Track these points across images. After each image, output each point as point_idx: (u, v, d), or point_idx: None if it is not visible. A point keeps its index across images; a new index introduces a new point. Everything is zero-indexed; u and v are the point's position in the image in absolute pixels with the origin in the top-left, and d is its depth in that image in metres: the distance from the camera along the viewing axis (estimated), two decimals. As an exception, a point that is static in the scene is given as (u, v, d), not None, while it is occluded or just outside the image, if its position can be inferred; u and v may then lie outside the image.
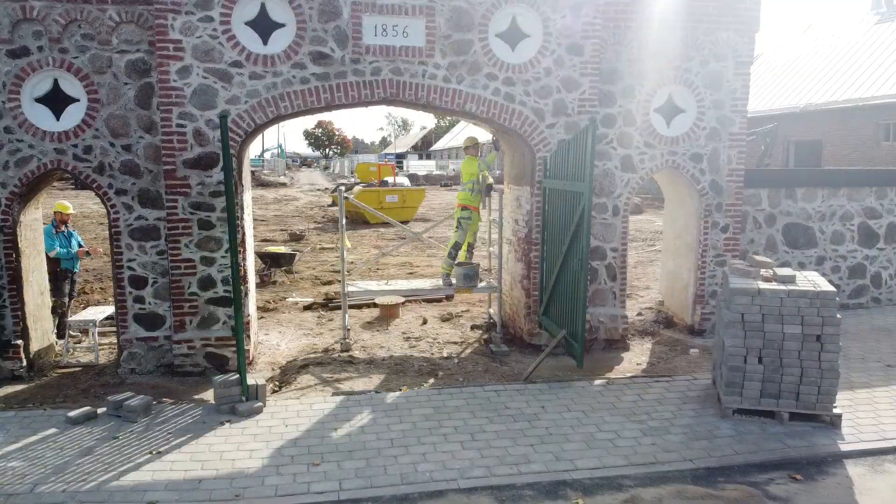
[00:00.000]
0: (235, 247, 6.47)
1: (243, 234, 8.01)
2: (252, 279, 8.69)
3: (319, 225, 25.88)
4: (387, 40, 7.95)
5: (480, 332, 9.66)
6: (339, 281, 14.52)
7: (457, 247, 9.26)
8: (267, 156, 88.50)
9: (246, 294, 8.10)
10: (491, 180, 9.39)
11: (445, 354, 8.53)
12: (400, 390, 6.97)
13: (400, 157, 76.19)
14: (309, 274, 14.99)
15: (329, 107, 7.96)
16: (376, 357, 8.45)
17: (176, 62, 7.56)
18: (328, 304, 11.28)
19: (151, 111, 7.75)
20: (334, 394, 6.88)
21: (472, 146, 9.51)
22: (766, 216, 10.04)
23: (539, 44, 8.37)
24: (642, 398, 6.78)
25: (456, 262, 9.22)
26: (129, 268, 7.93)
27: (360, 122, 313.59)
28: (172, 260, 7.81)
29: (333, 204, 29.39)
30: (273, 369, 8.17)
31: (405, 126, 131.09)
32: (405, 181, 30.88)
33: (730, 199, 9.51)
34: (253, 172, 60.80)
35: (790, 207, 10.20)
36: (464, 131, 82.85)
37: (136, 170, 7.82)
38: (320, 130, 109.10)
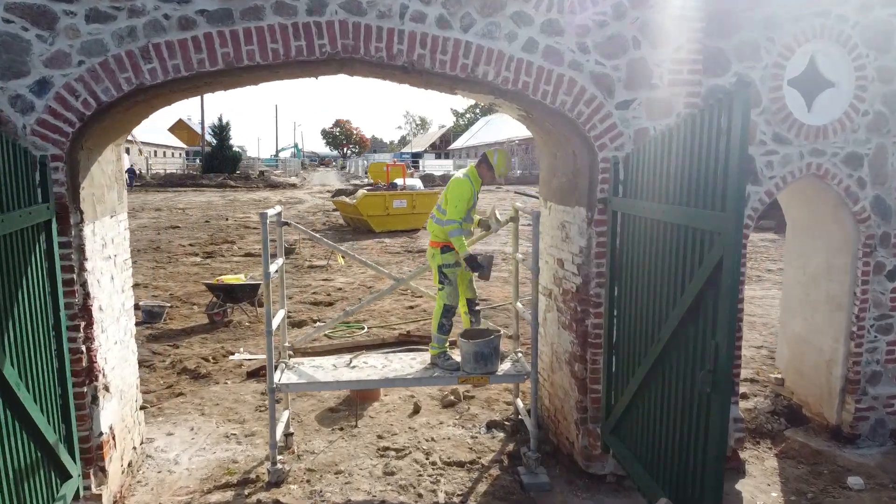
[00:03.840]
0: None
1: (86, 296, 4.56)
2: (116, 369, 5.20)
3: (318, 234, 22.49)
4: (336, -49, 4.46)
5: (503, 435, 6.12)
6: (316, 321, 11.13)
7: (449, 314, 5.70)
8: (285, 155, 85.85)
9: (94, 400, 4.65)
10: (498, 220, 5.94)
11: (442, 500, 5.01)
12: None
13: (416, 157, 72.80)
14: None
15: (232, 70, 4.49)
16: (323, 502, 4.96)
17: (-44, -8, 4.17)
18: (283, 370, 7.82)
19: (-78, 81, 4.35)
20: None
21: (488, 165, 5.77)
22: (949, 251, 6.38)
23: (605, -37, 4.83)
24: None
25: (461, 333, 5.65)
26: None
27: (379, 122, 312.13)
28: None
29: (336, 210, 26.00)
30: (144, 526, 4.73)
31: (423, 125, 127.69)
32: (417, 183, 27.32)
33: (904, 227, 5.91)
34: (262, 173, 57.97)
35: (982, 236, 6.53)
36: (484, 129, 78.47)
37: None
38: (338, 129, 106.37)
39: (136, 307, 11.26)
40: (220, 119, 58.13)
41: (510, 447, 5.86)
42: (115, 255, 5.20)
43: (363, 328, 10.05)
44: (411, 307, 11.52)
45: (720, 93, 5.28)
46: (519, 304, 6.09)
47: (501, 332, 5.68)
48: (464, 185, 5.60)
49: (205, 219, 26.02)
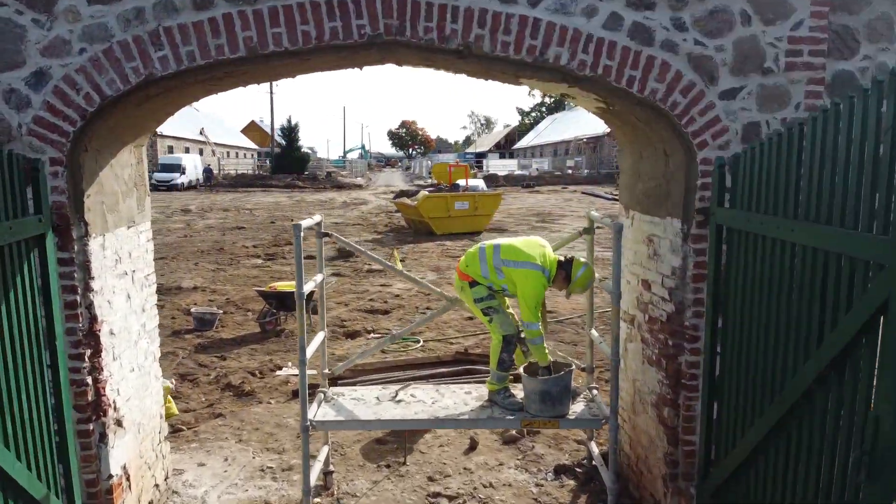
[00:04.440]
0: None
1: (92, 319, 3.97)
2: (133, 399, 4.61)
3: (379, 235, 22.01)
4: (377, -88, 3.72)
5: (573, 483, 5.24)
6: (370, 331, 10.48)
7: (510, 346, 4.79)
8: (352, 156, 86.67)
9: (102, 438, 4.07)
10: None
11: (500, 568, 4.21)
12: None
13: (480, 157, 71.91)
14: (335, 315, 10.99)
15: (256, 57, 3.80)
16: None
17: (-52, -28, 3.64)
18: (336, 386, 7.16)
19: (-83, 75, 3.85)
20: None
21: (567, 275, 4.79)
22: None
23: (708, -81, 3.91)
24: None
25: (522, 366, 4.78)
26: None
27: (445, 122, 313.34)
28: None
29: (398, 210, 25.46)
30: (156, 585, 4.12)
31: (488, 124, 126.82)
32: (480, 184, 26.49)
33: None
34: (329, 174, 58.36)
35: None
36: (550, 128, 76.69)
37: None
38: (404, 130, 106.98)
39: (188, 313, 11.03)
40: (288, 120, 58.91)
41: (582, 500, 4.99)
42: (133, 272, 4.61)
43: (418, 342, 9.34)
44: (470, 318, 10.71)
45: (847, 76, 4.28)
46: (594, 332, 5.19)
47: (573, 367, 4.79)
48: (540, 283, 4.69)
49: (270, 219, 25.96)
